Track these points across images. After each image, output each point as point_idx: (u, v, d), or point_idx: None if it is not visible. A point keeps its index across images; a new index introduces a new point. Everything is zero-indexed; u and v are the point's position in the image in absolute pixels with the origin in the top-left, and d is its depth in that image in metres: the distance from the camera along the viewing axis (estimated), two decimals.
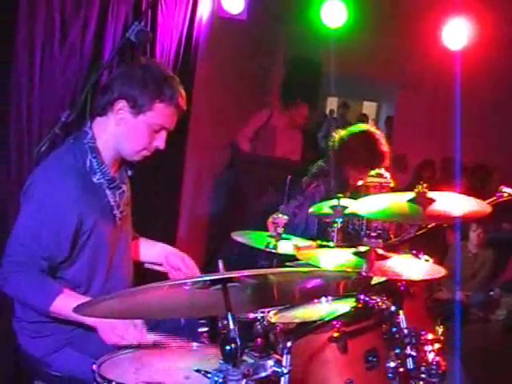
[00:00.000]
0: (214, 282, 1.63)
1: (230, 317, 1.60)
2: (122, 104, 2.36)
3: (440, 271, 2.02)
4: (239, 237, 2.99)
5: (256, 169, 6.01)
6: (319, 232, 3.22)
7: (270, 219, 3.23)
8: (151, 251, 2.80)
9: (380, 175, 3.15)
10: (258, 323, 2.46)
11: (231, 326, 1.60)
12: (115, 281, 2.50)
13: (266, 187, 5.39)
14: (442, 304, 4.96)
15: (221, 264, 1.69)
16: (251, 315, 2.53)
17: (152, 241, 2.84)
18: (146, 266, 2.82)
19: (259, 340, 2.42)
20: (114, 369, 2.02)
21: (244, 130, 6.28)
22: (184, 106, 2.44)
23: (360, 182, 3.07)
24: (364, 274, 1.91)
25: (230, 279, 1.63)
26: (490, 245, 5.56)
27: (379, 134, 3.64)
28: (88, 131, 2.41)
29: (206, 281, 1.61)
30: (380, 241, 2.01)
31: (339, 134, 3.67)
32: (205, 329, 2.45)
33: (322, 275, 1.93)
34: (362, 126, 3.75)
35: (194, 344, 2.22)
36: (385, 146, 3.57)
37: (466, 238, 5.53)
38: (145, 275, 2.77)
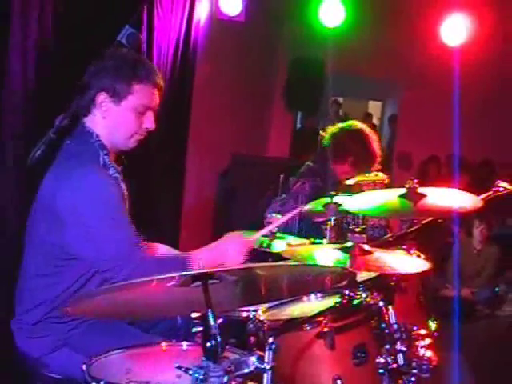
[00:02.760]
0: (194, 279, 1.64)
1: (210, 313, 1.61)
2: (102, 96, 2.38)
3: (425, 265, 2.02)
4: None
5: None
6: (305, 230, 3.20)
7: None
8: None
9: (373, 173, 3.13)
10: (250, 322, 2.46)
11: (211, 323, 1.61)
12: None
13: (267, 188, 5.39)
14: (448, 301, 4.95)
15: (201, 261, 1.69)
16: (244, 314, 2.53)
17: (152, 242, 2.84)
18: None
19: (252, 338, 2.42)
20: (105, 369, 2.01)
21: None
22: (162, 83, 2.46)
23: (352, 181, 3.05)
24: (349, 269, 1.92)
25: (211, 275, 1.64)
26: (494, 241, 5.51)
27: (372, 133, 3.60)
28: (91, 131, 2.40)
29: (184, 275, 1.61)
30: (364, 236, 2.01)
31: (330, 130, 3.64)
32: (199, 328, 2.44)
33: (307, 270, 1.94)
34: (354, 123, 3.72)
35: (185, 343, 2.21)
36: (376, 144, 3.54)
37: (469, 234, 5.50)
38: None
